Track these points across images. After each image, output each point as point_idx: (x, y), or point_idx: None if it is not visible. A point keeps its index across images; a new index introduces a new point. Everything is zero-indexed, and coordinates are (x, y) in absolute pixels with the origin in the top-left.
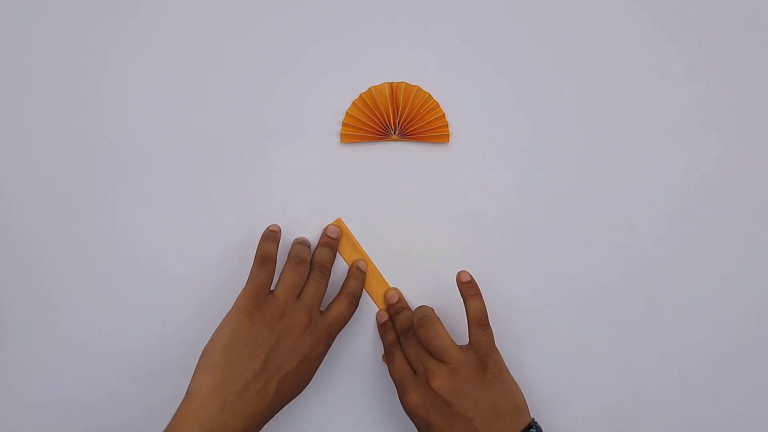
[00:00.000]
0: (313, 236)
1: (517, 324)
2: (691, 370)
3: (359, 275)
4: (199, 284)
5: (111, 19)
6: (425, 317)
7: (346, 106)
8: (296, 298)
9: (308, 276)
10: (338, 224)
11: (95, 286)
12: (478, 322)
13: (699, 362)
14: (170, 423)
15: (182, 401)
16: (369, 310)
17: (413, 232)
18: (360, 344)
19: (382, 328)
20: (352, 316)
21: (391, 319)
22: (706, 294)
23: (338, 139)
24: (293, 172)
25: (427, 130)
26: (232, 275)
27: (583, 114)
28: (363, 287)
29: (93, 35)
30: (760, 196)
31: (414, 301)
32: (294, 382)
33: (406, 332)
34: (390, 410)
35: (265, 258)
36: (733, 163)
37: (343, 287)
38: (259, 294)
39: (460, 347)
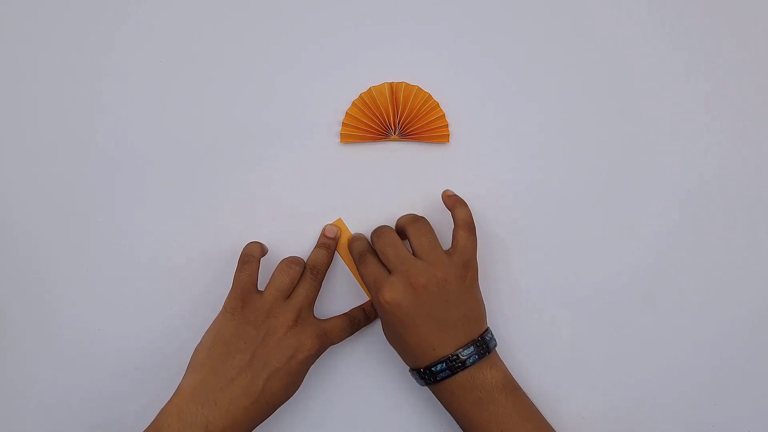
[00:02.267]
0: (312, 236)
1: (517, 324)
2: (691, 371)
3: (370, 315)
4: (199, 285)
5: (111, 20)
6: (417, 217)
7: (346, 106)
8: (285, 299)
9: (300, 277)
10: (338, 224)
11: (95, 286)
12: (467, 225)
13: (699, 363)
14: (155, 418)
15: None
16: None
17: None
18: (359, 346)
19: (350, 240)
20: (348, 336)
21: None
22: (706, 294)
23: (338, 139)
24: (293, 172)
25: (427, 130)
26: (232, 276)
27: (584, 114)
28: (366, 323)
29: (93, 35)
30: (761, 196)
31: None
32: (284, 381)
33: (378, 236)
34: (389, 410)
35: (246, 258)
36: (734, 163)
37: (349, 312)
38: (243, 294)
39: (445, 250)
